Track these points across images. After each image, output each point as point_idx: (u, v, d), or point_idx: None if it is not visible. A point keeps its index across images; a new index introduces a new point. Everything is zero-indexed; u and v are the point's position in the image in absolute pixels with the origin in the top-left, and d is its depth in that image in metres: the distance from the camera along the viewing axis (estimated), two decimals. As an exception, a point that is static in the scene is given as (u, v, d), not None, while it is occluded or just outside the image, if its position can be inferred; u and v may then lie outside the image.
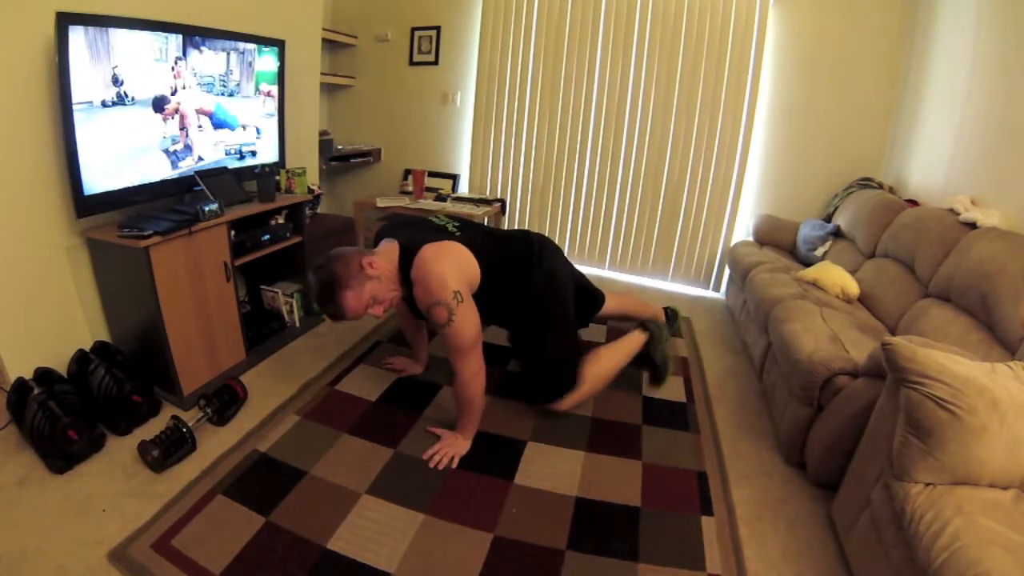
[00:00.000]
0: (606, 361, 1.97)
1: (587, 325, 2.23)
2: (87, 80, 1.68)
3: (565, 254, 2.01)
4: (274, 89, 2.52)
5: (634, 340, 2.08)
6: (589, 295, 2.14)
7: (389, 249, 1.69)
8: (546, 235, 2.02)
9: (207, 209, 1.94)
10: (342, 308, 1.55)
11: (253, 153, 2.50)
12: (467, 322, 1.58)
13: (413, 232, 1.72)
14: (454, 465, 1.70)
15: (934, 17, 2.73)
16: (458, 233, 1.73)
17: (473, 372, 1.66)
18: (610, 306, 2.21)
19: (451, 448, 1.74)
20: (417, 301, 1.61)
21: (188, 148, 2.14)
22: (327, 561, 1.32)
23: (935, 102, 2.67)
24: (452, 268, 1.59)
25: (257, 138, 2.49)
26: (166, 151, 2.04)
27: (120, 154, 1.85)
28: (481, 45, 3.66)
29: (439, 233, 1.71)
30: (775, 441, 1.94)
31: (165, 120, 2.00)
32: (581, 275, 2.11)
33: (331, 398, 2.04)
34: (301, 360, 2.36)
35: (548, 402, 1.89)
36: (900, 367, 1.19)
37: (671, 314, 2.38)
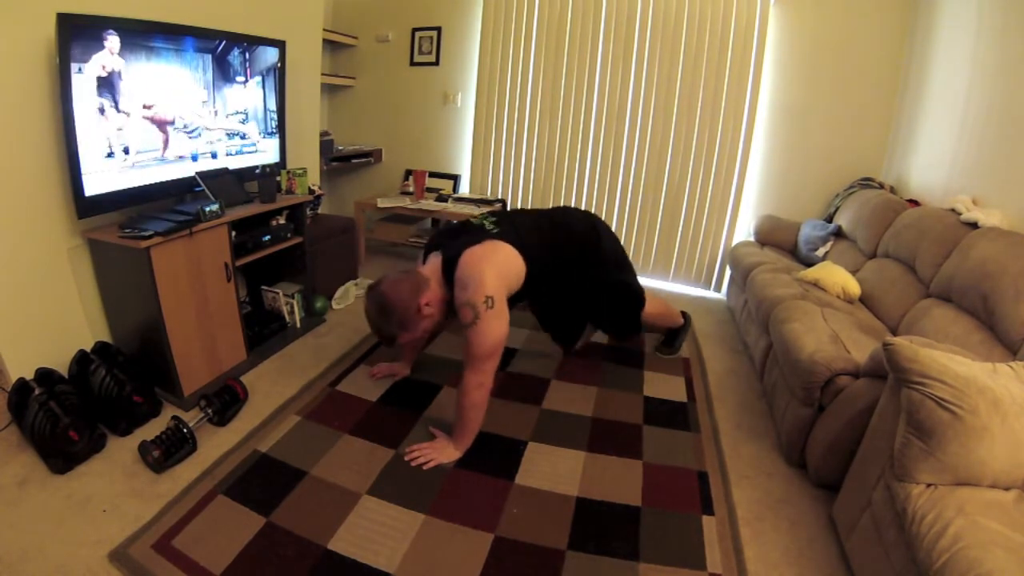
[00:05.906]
0: (660, 304, 2.42)
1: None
2: (86, 78, 1.68)
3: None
4: (275, 88, 2.53)
5: (676, 316, 2.51)
6: None
7: (434, 263, 1.74)
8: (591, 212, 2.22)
9: (208, 210, 1.95)
10: (396, 343, 1.75)
11: (254, 153, 2.50)
12: (491, 329, 1.58)
13: (454, 240, 1.74)
14: (426, 468, 1.67)
15: (935, 17, 2.73)
16: (496, 230, 1.74)
17: (478, 382, 1.64)
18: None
19: (435, 453, 1.71)
20: (455, 300, 1.65)
21: (188, 144, 2.14)
22: (327, 561, 1.32)
23: (936, 102, 2.66)
24: (492, 272, 1.61)
25: (250, 133, 2.50)
26: (165, 144, 2.04)
27: (119, 152, 1.85)
28: (482, 46, 3.66)
29: (478, 234, 1.73)
30: (776, 441, 1.94)
31: (163, 110, 2.00)
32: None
33: (332, 398, 2.04)
34: (302, 360, 2.36)
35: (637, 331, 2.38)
36: (901, 367, 1.19)
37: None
